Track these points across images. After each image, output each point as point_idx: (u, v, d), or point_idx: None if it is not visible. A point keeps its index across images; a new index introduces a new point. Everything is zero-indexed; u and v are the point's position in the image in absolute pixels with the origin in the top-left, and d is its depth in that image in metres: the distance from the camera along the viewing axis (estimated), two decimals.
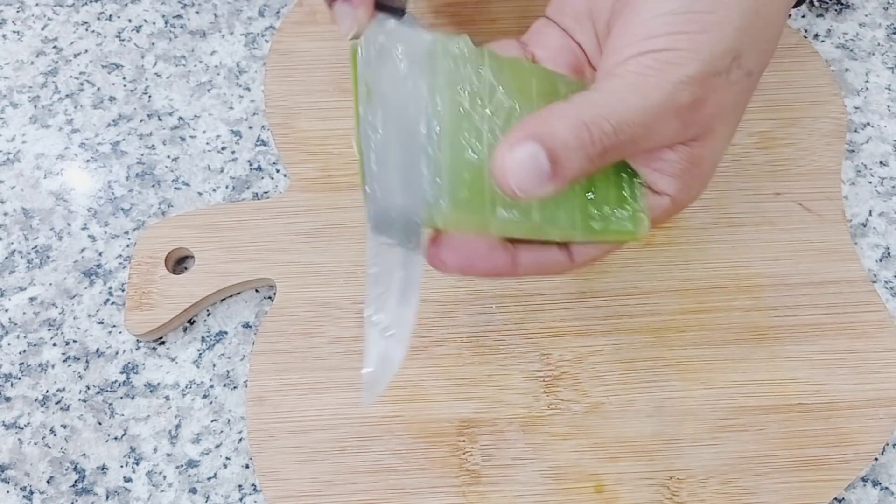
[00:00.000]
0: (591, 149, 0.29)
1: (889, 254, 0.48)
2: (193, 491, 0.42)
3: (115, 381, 0.45)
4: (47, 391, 0.44)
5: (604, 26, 0.35)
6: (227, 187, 0.49)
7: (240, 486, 0.42)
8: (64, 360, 0.45)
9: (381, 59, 0.31)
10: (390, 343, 0.32)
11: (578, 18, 0.37)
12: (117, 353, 0.45)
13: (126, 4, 0.55)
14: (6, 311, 0.46)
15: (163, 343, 0.45)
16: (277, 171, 0.50)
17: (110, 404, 0.44)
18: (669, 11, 0.30)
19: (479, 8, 0.53)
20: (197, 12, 0.55)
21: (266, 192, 0.49)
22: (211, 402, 0.44)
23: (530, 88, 0.32)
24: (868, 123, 0.51)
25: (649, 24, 0.31)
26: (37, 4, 0.55)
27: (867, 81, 0.52)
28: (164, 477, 0.42)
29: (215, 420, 0.44)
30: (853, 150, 0.50)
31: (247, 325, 0.46)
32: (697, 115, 0.31)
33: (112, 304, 0.46)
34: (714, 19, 0.30)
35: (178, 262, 0.47)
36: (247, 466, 0.43)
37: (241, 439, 0.43)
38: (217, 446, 0.43)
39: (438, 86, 0.30)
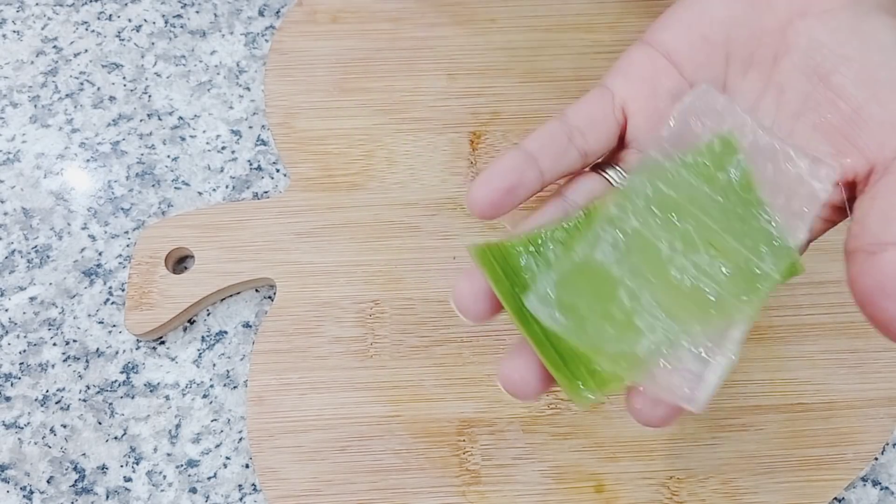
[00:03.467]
0: None
1: None
2: (193, 491, 0.42)
3: (115, 380, 0.45)
4: (47, 391, 0.44)
5: (742, 64, 0.31)
6: (227, 187, 0.49)
7: (240, 485, 0.42)
8: (64, 360, 0.45)
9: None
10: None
11: (705, 49, 0.31)
12: (117, 352, 0.45)
13: (126, 4, 0.55)
14: (6, 310, 0.46)
15: (163, 343, 0.45)
16: (277, 170, 0.50)
17: (110, 404, 0.44)
18: None
19: (478, 8, 0.53)
20: (197, 12, 0.55)
21: (266, 192, 0.49)
22: (211, 402, 0.44)
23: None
24: None
25: None
26: (37, 4, 0.55)
27: None
28: (164, 477, 0.42)
29: (215, 420, 0.44)
30: None
31: (247, 325, 0.46)
32: None
33: (112, 303, 0.46)
34: None
35: (178, 262, 0.47)
36: (247, 466, 0.43)
37: (241, 439, 0.43)
38: (217, 446, 0.43)
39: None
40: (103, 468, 0.43)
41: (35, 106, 0.52)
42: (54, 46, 0.54)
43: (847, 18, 0.30)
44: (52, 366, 0.45)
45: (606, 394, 0.28)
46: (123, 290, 0.46)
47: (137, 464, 0.43)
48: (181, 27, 0.55)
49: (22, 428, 0.43)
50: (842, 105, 0.29)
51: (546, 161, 0.31)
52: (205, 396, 0.44)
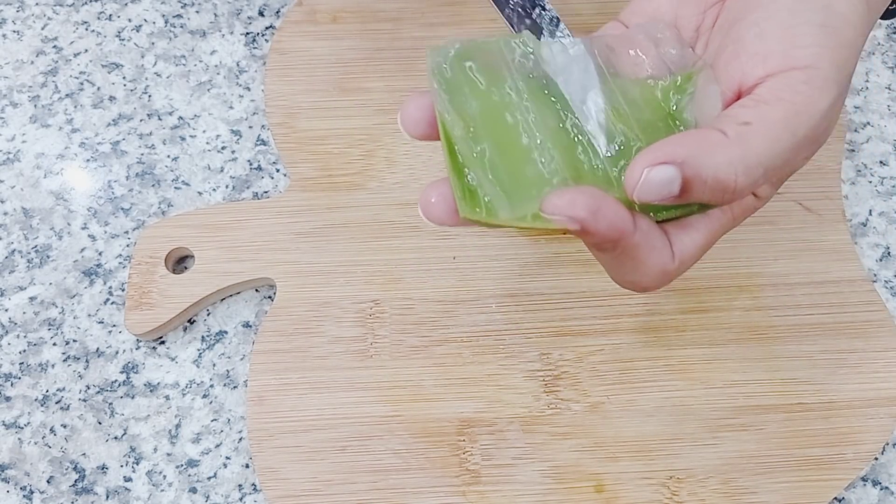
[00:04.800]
0: (726, 193, 0.28)
1: (889, 253, 0.48)
2: (193, 490, 0.42)
3: (115, 380, 0.45)
4: (47, 391, 0.44)
5: (692, 32, 0.34)
6: (227, 187, 0.49)
7: (240, 485, 0.42)
8: (64, 360, 0.45)
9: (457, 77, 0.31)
10: None
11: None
12: (117, 352, 0.45)
13: (126, 4, 0.55)
14: (6, 310, 0.46)
15: (163, 343, 0.45)
16: (277, 170, 0.50)
17: (110, 404, 0.44)
18: (808, 21, 0.29)
19: (478, 8, 0.53)
20: (197, 12, 0.55)
21: (266, 192, 0.49)
22: (211, 402, 0.44)
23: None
24: (868, 123, 0.51)
25: (793, 32, 0.29)
26: (37, 4, 0.55)
27: (867, 81, 0.52)
28: (164, 476, 0.42)
29: (215, 420, 0.44)
30: (853, 150, 0.50)
31: (247, 325, 0.46)
32: (822, 137, 0.30)
33: (112, 303, 0.46)
34: (847, 37, 0.29)
35: (178, 262, 0.47)
36: (247, 466, 0.43)
37: (241, 439, 0.43)
38: (217, 446, 0.43)
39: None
40: (103, 468, 0.43)
41: (35, 106, 0.52)
42: (54, 46, 0.54)
43: None
44: (52, 366, 0.45)
45: (486, 220, 0.29)
46: (123, 290, 0.46)
47: (137, 464, 0.43)
48: (181, 27, 0.55)
49: (22, 428, 0.43)
50: (730, 46, 0.31)
51: None
52: (205, 396, 0.44)
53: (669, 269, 0.30)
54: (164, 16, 0.55)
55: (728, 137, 0.28)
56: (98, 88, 0.53)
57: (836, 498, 0.42)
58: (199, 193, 0.49)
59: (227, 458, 0.43)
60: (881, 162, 0.50)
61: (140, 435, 0.43)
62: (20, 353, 0.45)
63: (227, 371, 0.45)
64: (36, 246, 0.48)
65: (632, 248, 0.29)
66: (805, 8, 0.29)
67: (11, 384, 0.44)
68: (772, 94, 0.29)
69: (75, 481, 0.42)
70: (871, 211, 0.49)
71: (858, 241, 0.48)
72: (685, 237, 0.31)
